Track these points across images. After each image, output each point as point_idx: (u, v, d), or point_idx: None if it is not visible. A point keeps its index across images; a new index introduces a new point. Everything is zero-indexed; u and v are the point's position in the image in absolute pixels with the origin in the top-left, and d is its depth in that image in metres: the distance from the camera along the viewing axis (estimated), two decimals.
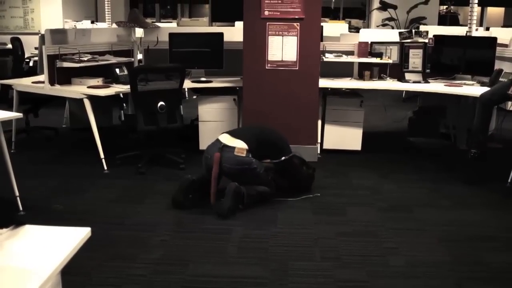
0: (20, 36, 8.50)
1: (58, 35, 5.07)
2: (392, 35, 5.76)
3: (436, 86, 5.22)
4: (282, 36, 4.87)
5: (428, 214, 3.82)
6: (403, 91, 7.67)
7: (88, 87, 4.89)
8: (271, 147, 4.08)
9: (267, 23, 4.85)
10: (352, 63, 5.59)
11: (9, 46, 8.49)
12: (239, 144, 3.84)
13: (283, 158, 4.05)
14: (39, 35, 5.92)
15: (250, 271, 2.94)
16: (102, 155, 4.71)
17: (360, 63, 5.54)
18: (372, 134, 5.98)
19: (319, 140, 5.21)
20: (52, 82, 4.90)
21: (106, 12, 7.31)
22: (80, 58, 5.01)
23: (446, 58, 5.54)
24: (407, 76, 5.54)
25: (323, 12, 5.04)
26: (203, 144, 4.99)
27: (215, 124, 5.11)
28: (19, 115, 3.81)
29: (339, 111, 5.24)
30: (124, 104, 5.69)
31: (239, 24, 7.57)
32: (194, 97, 6.25)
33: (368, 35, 5.78)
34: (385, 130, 6.67)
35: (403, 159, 5.23)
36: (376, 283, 2.83)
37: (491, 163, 4.99)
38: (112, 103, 6.14)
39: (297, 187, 4.19)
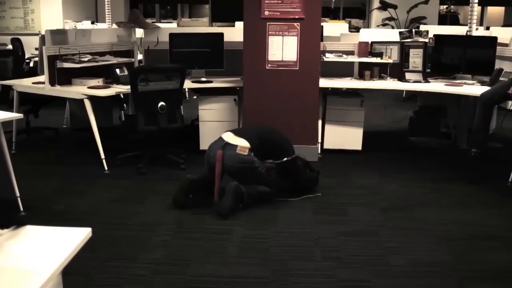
0: (20, 37, 8.51)
1: (59, 35, 5.07)
2: (392, 34, 5.76)
3: (437, 86, 5.22)
4: (282, 36, 4.87)
5: (429, 214, 3.82)
6: (403, 90, 7.67)
7: (89, 87, 4.89)
8: (274, 147, 4.08)
9: (267, 23, 4.85)
10: (352, 63, 5.59)
11: (10, 46, 8.49)
12: (242, 143, 3.85)
13: (285, 159, 4.05)
14: (40, 35, 5.92)
15: (251, 271, 2.93)
16: (102, 156, 4.71)
17: (360, 63, 5.54)
18: (372, 133, 5.98)
19: (319, 140, 5.21)
20: (52, 83, 4.90)
21: (106, 13, 7.32)
22: (81, 59, 5.02)
23: (446, 57, 5.53)
24: (408, 75, 5.54)
25: (323, 12, 5.05)
26: (204, 144, 5.00)
27: (216, 124, 5.11)
28: (19, 115, 3.80)
29: (339, 111, 5.24)
30: (125, 105, 5.69)
31: (239, 24, 7.57)
32: (195, 97, 6.25)
33: (368, 35, 5.77)
34: (385, 129, 6.67)
35: (403, 159, 5.23)
36: (377, 282, 2.83)
37: (491, 163, 4.99)
38: (112, 104, 6.14)
39: (299, 188, 4.18)
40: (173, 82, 4.67)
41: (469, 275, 2.93)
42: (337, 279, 2.86)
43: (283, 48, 4.88)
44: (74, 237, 1.52)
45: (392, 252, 3.19)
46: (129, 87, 4.60)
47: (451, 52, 5.50)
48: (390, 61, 5.39)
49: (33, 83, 5.22)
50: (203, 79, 5.40)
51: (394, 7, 10.31)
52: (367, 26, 11.94)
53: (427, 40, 5.60)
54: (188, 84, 5.25)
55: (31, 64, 8.02)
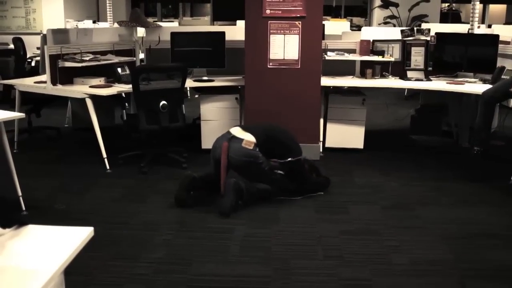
0: (22, 36, 8.54)
1: (60, 35, 5.07)
2: (394, 33, 5.75)
3: (438, 84, 5.22)
4: (284, 34, 4.87)
5: (431, 212, 3.82)
6: (405, 89, 7.66)
7: (90, 86, 4.89)
8: (279, 145, 4.06)
9: (269, 21, 4.85)
10: (354, 61, 5.58)
11: (11, 46, 8.51)
12: (248, 137, 3.86)
13: (289, 159, 4.03)
14: (41, 35, 5.93)
15: (253, 270, 2.94)
16: (104, 155, 4.72)
17: (362, 61, 5.54)
18: (374, 132, 5.97)
19: (321, 139, 5.21)
20: (54, 82, 4.91)
21: (108, 12, 7.34)
22: (82, 58, 5.02)
23: (448, 55, 5.53)
24: (409, 74, 5.53)
25: (324, 10, 5.04)
26: (205, 143, 5.01)
27: (217, 123, 5.11)
28: (21, 115, 3.81)
29: (341, 110, 5.23)
30: (126, 104, 5.70)
31: (240, 23, 7.57)
32: (196, 96, 6.26)
33: (370, 33, 5.77)
34: (387, 128, 6.66)
35: (405, 157, 5.23)
36: (378, 281, 2.83)
37: (493, 161, 4.98)
38: (114, 103, 6.14)
39: (304, 191, 4.11)
40: (174, 81, 4.67)
41: (470, 273, 2.92)
42: (338, 277, 2.87)
43: (284, 46, 4.88)
44: (76, 237, 1.53)
45: (394, 251, 3.19)
46: (130, 86, 4.61)
47: (453, 50, 5.49)
48: (392, 59, 5.38)
49: (35, 82, 5.23)
50: (205, 78, 5.40)
51: (396, 5, 10.30)
52: (369, 24, 11.93)
53: (428, 38, 5.59)
54: (189, 83, 5.25)
55: (33, 64, 8.04)
